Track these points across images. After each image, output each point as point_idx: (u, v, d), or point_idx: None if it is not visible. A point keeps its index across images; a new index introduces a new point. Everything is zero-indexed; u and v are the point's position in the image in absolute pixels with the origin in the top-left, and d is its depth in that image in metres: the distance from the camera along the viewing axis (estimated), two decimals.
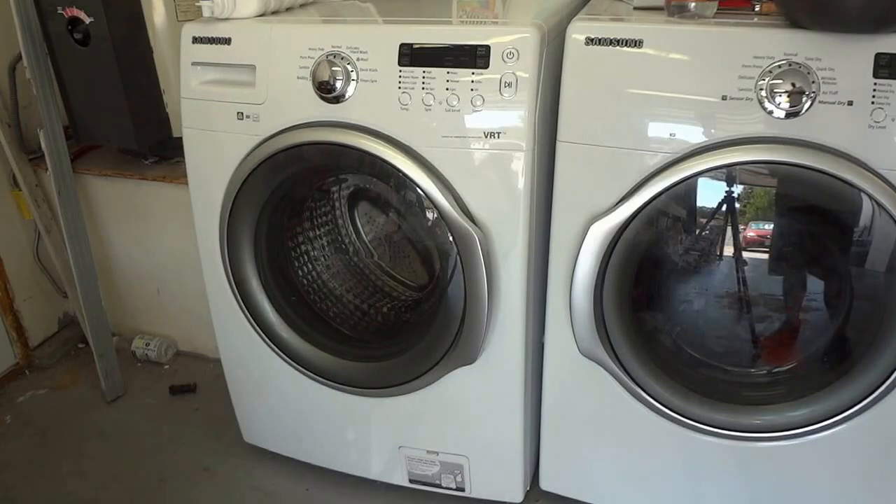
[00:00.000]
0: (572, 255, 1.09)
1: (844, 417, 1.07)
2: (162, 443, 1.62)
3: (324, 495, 1.46)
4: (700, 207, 1.09)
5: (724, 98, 0.97)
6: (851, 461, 1.12)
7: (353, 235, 1.48)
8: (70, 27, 1.49)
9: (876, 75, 0.91)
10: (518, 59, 1.03)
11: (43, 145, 1.60)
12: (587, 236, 1.06)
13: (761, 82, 0.95)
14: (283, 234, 1.34)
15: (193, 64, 1.21)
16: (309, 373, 1.33)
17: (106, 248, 1.87)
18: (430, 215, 1.13)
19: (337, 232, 1.46)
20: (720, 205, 1.09)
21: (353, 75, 1.10)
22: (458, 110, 1.06)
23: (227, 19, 1.19)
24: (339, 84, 1.10)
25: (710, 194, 1.07)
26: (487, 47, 1.03)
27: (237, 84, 1.18)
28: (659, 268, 1.19)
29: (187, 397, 1.77)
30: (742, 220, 1.11)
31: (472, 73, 1.04)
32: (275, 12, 1.25)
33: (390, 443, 1.37)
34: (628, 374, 1.14)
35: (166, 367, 1.90)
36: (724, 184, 1.05)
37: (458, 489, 1.37)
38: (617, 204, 1.04)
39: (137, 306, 1.94)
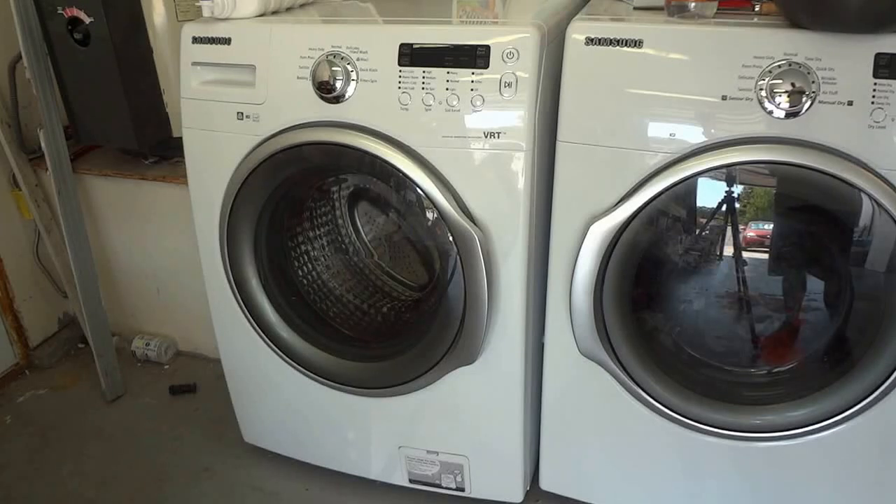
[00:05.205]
0: (572, 255, 1.09)
1: (844, 417, 1.07)
2: (162, 443, 1.62)
3: (324, 495, 1.46)
4: (700, 207, 1.09)
5: (724, 98, 0.97)
6: (851, 461, 1.12)
7: (353, 235, 1.48)
8: (70, 27, 1.49)
9: (876, 75, 0.91)
10: (518, 59, 1.02)
11: (43, 145, 1.60)
12: (587, 236, 1.06)
13: (761, 82, 0.95)
14: (283, 234, 1.34)
15: (193, 64, 1.21)
16: (309, 373, 1.33)
17: (106, 248, 1.87)
18: (430, 215, 1.13)
19: (337, 232, 1.46)
20: (720, 205, 1.09)
21: (353, 75, 1.10)
22: (458, 110, 1.06)
23: (226, 19, 1.19)
24: (339, 84, 1.10)
25: (710, 194, 1.07)
26: (487, 47, 1.03)
27: (237, 84, 1.18)
28: (659, 268, 1.19)
29: (187, 397, 1.77)
30: (742, 220, 1.11)
31: (472, 73, 1.04)
32: (275, 12, 1.25)
33: (390, 443, 1.37)
34: (628, 374, 1.14)
35: (166, 367, 1.90)
36: (724, 184, 1.05)
37: (458, 489, 1.37)
38: (617, 204, 1.04)
39: (137, 306, 1.94)
